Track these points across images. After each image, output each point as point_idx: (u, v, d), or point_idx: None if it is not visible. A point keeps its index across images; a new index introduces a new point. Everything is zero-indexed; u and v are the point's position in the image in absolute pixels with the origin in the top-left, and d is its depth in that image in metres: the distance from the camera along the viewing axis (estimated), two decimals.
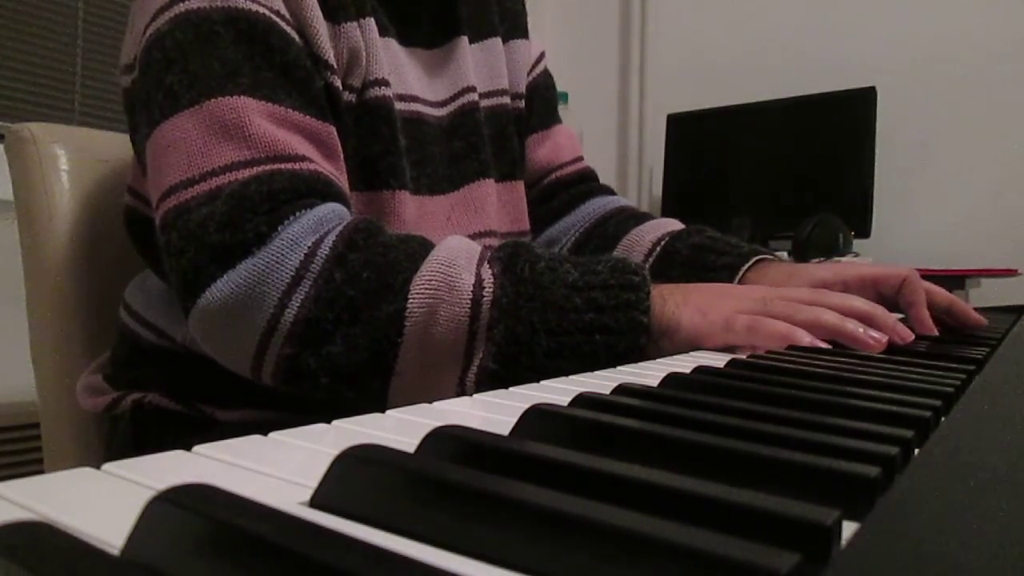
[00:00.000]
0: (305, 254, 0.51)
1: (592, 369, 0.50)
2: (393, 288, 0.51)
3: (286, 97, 0.57)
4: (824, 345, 0.49)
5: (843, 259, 1.58)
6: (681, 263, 0.76)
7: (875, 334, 0.50)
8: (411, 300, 0.51)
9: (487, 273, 0.52)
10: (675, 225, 0.83)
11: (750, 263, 0.72)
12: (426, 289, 0.51)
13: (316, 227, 0.53)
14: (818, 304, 0.52)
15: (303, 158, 0.56)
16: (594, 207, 0.88)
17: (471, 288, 0.51)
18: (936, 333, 0.63)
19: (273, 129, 0.55)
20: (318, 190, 0.55)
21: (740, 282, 0.72)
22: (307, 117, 0.58)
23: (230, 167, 0.53)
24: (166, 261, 0.55)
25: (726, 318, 0.50)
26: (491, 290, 0.51)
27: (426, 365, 0.52)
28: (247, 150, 0.54)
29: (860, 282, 0.68)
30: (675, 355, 0.50)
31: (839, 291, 0.69)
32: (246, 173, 0.53)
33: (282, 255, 0.51)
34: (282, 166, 0.54)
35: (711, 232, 0.79)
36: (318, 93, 0.60)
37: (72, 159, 0.79)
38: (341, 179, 0.61)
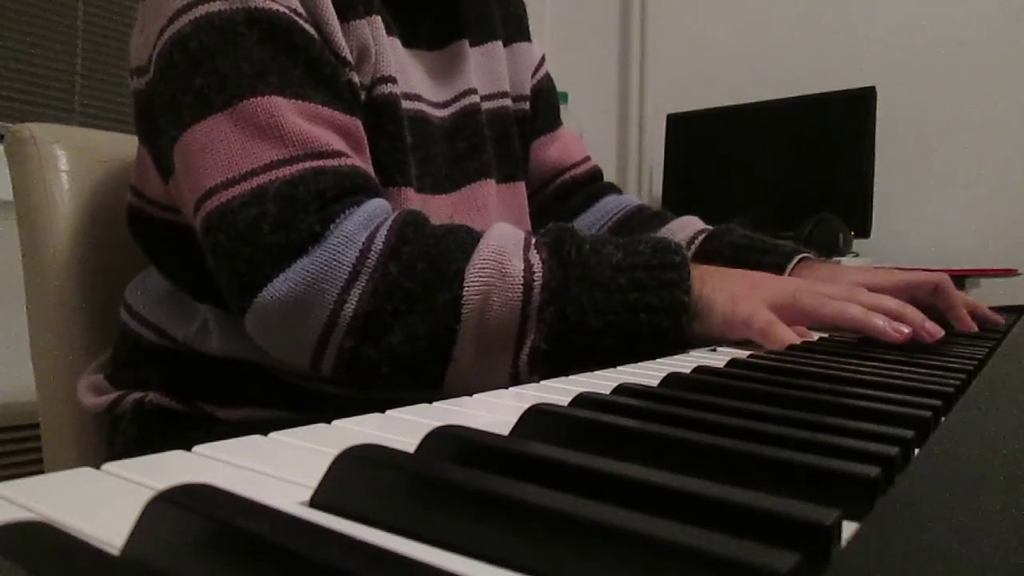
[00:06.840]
0: (360, 250, 0.53)
1: (637, 347, 0.53)
2: (447, 277, 0.53)
3: (315, 94, 0.58)
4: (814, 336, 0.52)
5: (843, 259, 1.58)
6: (724, 262, 0.78)
7: (901, 327, 0.52)
8: (466, 288, 0.52)
9: (535, 258, 0.54)
10: (698, 224, 0.86)
11: (794, 262, 0.76)
12: (480, 276, 0.53)
13: (367, 223, 0.55)
14: (848, 300, 0.54)
15: (340, 153, 0.57)
16: (610, 205, 0.92)
17: (522, 273, 0.53)
18: (976, 330, 0.67)
19: (307, 126, 0.56)
20: (361, 185, 0.57)
21: None
22: (336, 112, 0.59)
23: (270, 166, 0.54)
24: (213, 262, 0.56)
25: (750, 313, 0.52)
26: (540, 273, 0.53)
27: (481, 350, 0.54)
28: (284, 148, 0.55)
29: (895, 289, 0.69)
30: (705, 339, 0.53)
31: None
32: (287, 171, 0.54)
33: (338, 252, 0.53)
34: (323, 163, 0.56)
35: (741, 230, 0.82)
36: (343, 88, 0.61)
37: (72, 159, 0.79)
38: (372, 172, 0.62)
